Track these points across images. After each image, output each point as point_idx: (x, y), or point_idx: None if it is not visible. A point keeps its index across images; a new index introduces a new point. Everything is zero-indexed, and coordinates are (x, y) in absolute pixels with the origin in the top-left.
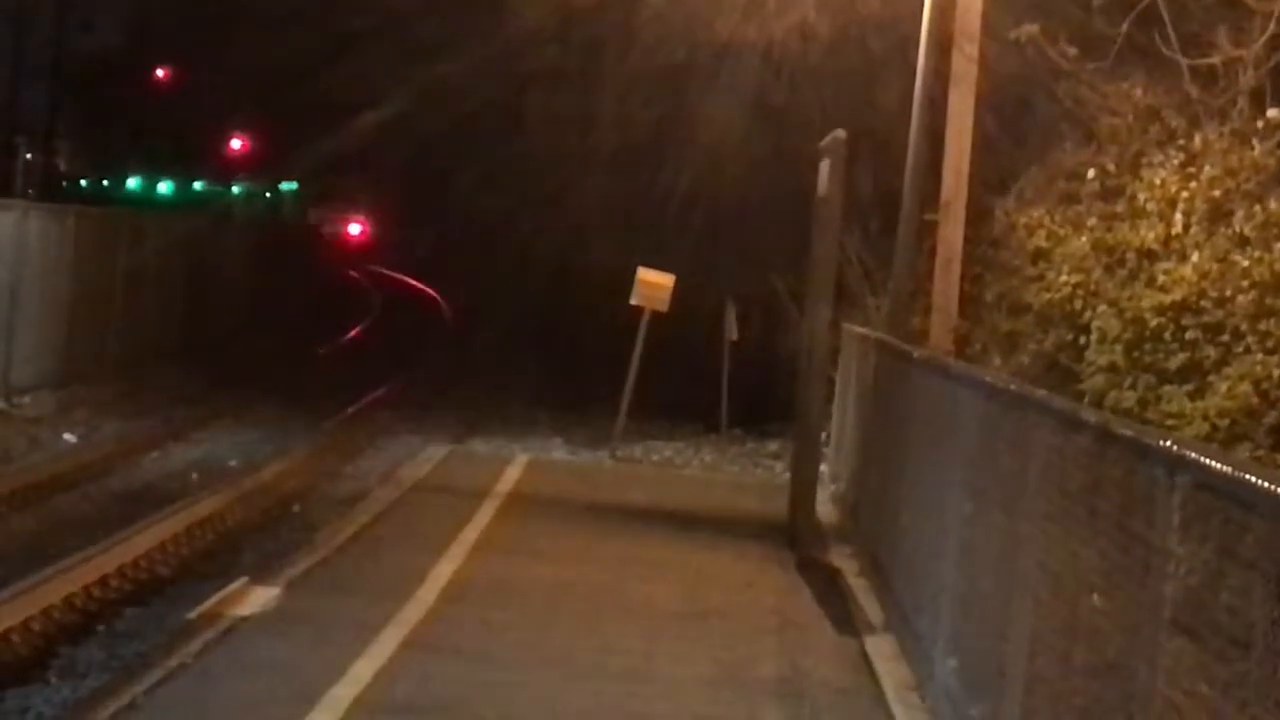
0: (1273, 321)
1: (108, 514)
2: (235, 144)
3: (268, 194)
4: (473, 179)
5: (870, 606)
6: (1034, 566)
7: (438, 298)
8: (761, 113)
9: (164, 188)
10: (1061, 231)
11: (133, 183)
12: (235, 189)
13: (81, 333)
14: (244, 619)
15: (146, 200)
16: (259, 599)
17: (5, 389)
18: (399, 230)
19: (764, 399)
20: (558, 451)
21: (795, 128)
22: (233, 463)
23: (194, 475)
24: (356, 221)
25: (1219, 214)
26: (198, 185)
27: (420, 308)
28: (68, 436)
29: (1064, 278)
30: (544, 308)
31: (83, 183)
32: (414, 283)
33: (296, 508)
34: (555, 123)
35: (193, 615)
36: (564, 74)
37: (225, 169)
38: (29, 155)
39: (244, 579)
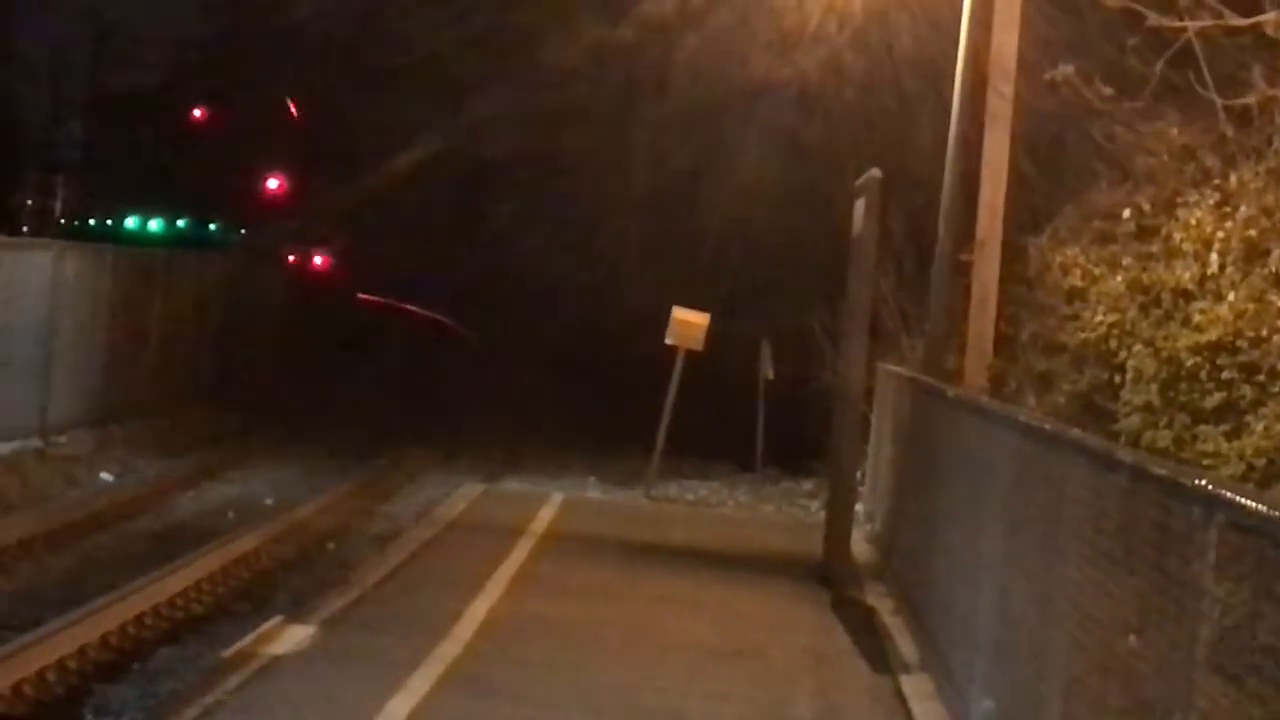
0: None
1: (144, 552)
2: (272, 184)
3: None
4: (506, 217)
5: (906, 645)
6: (1069, 607)
7: (468, 334)
8: (795, 152)
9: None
10: (1097, 271)
11: (131, 222)
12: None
13: (118, 372)
14: (279, 657)
15: (147, 239)
16: (294, 637)
17: (43, 428)
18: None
19: (799, 437)
20: (592, 490)
21: (828, 167)
22: (268, 501)
23: (229, 514)
24: (319, 254)
25: (1255, 253)
26: (212, 226)
27: (450, 344)
28: (104, 475)
29: (1099, 317)
30: (577, 346)
31: (91, 222)
32: (443, 319)
33: (331, 546)
34: (589, 161)
35: (228, 654)
36: (598, 113)
37: (262, 209)
38: (29, 200)
39: (279, 617)
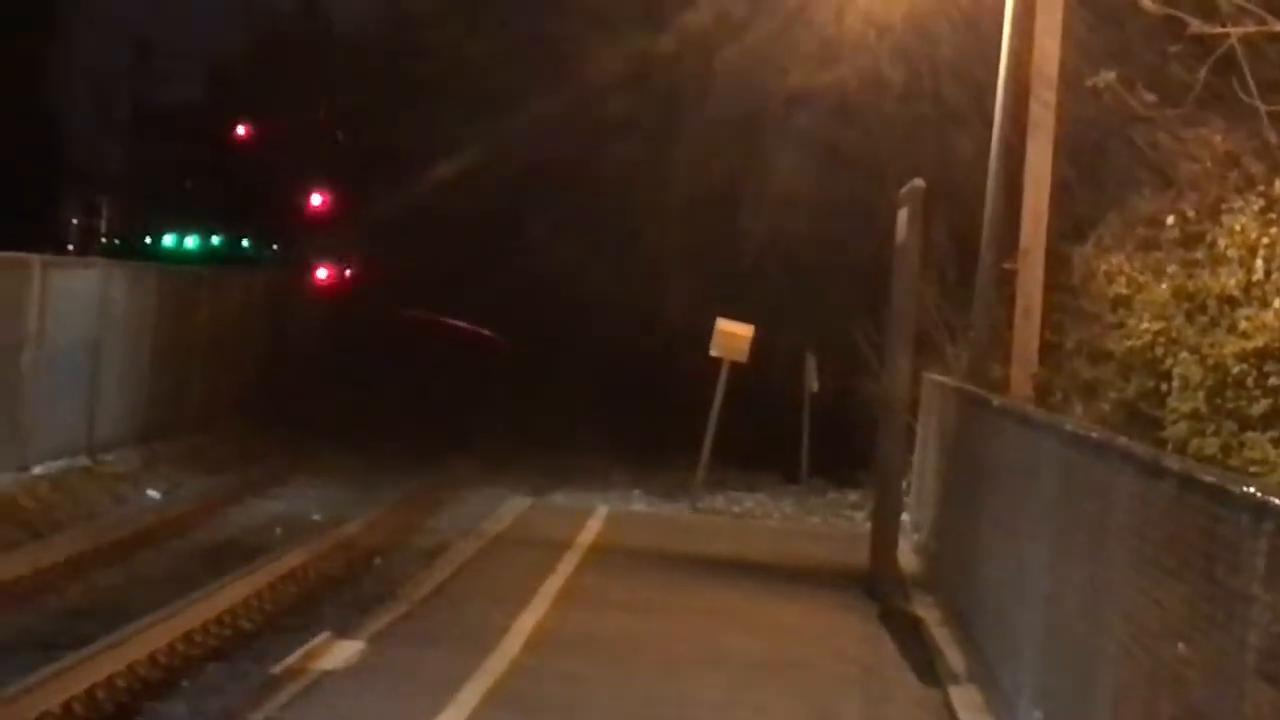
0: None
1: (191, 569)
2: (315, 200)
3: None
4: (545, 227)
5: (954, 656)
6: (1118, 615)
7: (508, 346)
8: (835, 161)
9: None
10: (1142, 278)
11: (168, 240)
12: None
13: (164, 389)
14: (328, 673)
15: (183, 256)
16: (343, 653)
17: (90, 446)
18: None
19: (844, 448)
20: (638, 503)
21: (869, 177)
22: (315, 517)
23: (277, 530)
24: (325, 268)
25: None
26: (245, 242)
27: (491, 355)
28: (151, 493)
29: (1145, 325)
30: (619, 356)
31: (130, 240)
32: (483, 332)
33: (378, 561)
34: (629, 171)
35: (277, 670)
36: (637, 123)
37: (305, 225)
38: (74, 220)
39: (327, 633)
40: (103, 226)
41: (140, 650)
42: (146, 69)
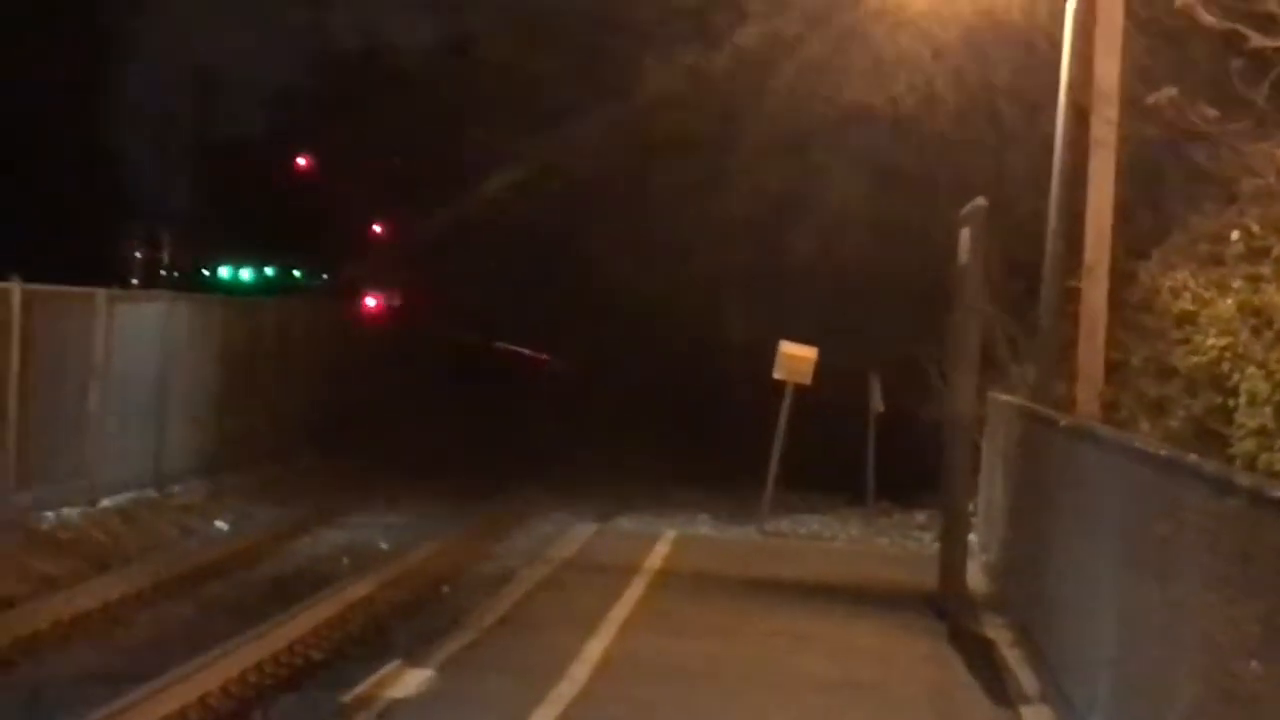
0: None
1: (260, 600)
2: (377, 229)
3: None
4: (600, 246)
5: (1025, 677)
6: (1190, 633)
7: (563, 369)
8: (892, 180)
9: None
10: (1206, 294)
11: (224, 271)
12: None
13: (230, 420)
14: (398, 701)
15: (239, 287)
16: (412, 681)
17: (158, 478)
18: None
19: (909, 469)
20: (704, 527)
21: (926, 196)
22: (382, 545)
23: (344, 559)
24: (374, 295)
25: None
26: (296, 272)
27: (546, 379)
28: (219, 524)
29: (1210, 341)
30: (678, 378)
31: (188, 272)
32: (537, 355)
33: (447, 589)
34: (684, 189)
35: (347, 699)
36: (692, 141)
37: (364, 253)
38: (138, 253)
39: (397, 661)
40: (165, 259)
41: (212, 681)
42: (206, 102)
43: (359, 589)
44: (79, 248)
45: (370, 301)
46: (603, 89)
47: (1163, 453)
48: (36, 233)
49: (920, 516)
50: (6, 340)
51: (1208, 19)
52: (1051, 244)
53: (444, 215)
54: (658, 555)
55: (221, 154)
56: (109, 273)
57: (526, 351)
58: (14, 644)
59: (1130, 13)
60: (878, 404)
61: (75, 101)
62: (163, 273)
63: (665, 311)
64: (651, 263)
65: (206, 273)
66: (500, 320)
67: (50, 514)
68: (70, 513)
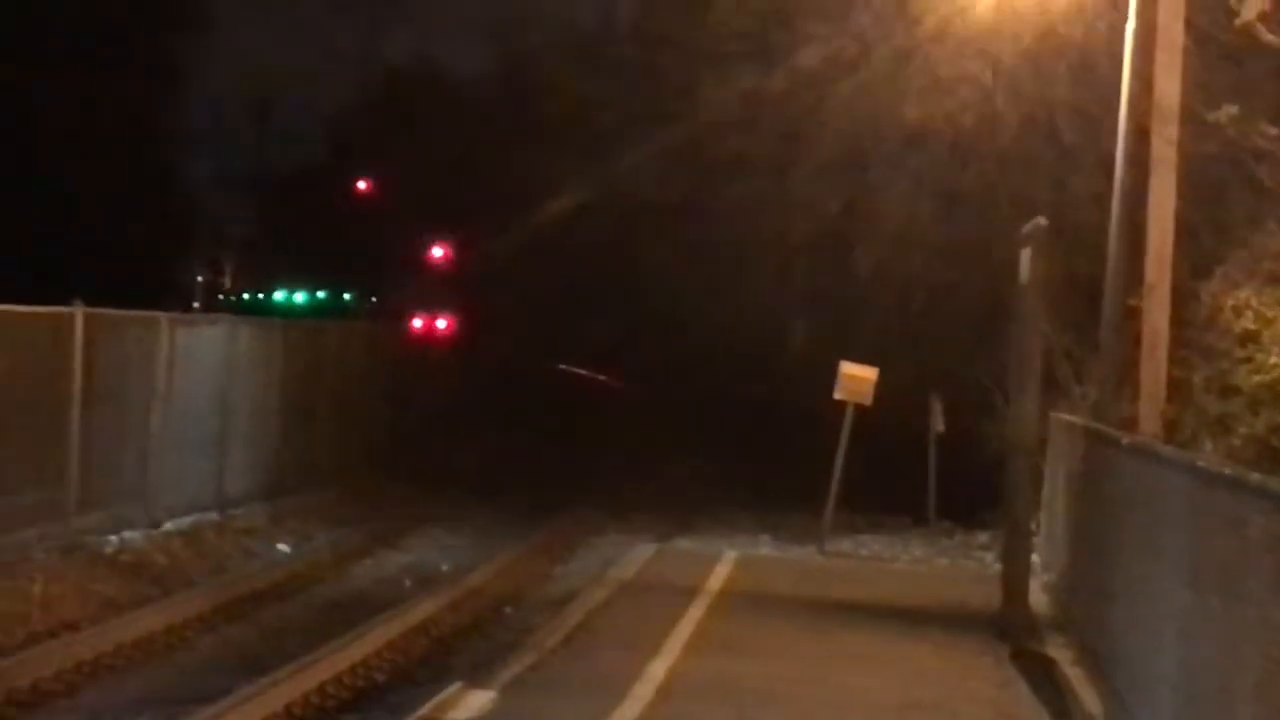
0: None
1: (322, 622)
2: (437, 252)
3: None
4: (660, 266)
5: (1088, 697)
6: (1255, 653)
7: (625, 389)
8: (950, 199)
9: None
10: (1269, 313)
11: (279, 295)
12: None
13: (291, 443)
14: None
15: (293, 310)
16: (474, 703)
17: (220, 500)
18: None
19: (971, 489)
20: (765, 547)
21: (986, 215)
22: (443, 567)
23: (406, 581)
24: (443, 318)
25: None
26: (346, 295)
27: (607, 400)
28: (281, 547)
29: (1273, 359)
30: (737, 398)
31: (245, 296)
32: (598, 377)
33: (508, 610)
34: (743, 210)
35: None
36: (751, 161)
37: (424, 276)
38: (199, 277)
39: (459, 683)
40: (226, 283)
41: (275, 703)
42: (266, 128)
43: (420, 611)
44: (143, 273)
45: (427, 323)
46: (661, 111)
47: (1226, 471)
48: (100, 258)
49: (982, 536)
50: (69, 364)
51: (1268, 37)
52: (1113, 262)
53: (503, 238)
54: (718, 576)
55: (280, 179)
56: (172, 297)
57: (597, 375)
58: (77, 667)
59: (1191, 30)
60: (939, 424)
61: (139, 128)
62: (220, 297)
63: (725, 332)
64: (711, 284)
65: (262, 296)
66: (559, 342)
67: (113, 537)
68: (132, 535)
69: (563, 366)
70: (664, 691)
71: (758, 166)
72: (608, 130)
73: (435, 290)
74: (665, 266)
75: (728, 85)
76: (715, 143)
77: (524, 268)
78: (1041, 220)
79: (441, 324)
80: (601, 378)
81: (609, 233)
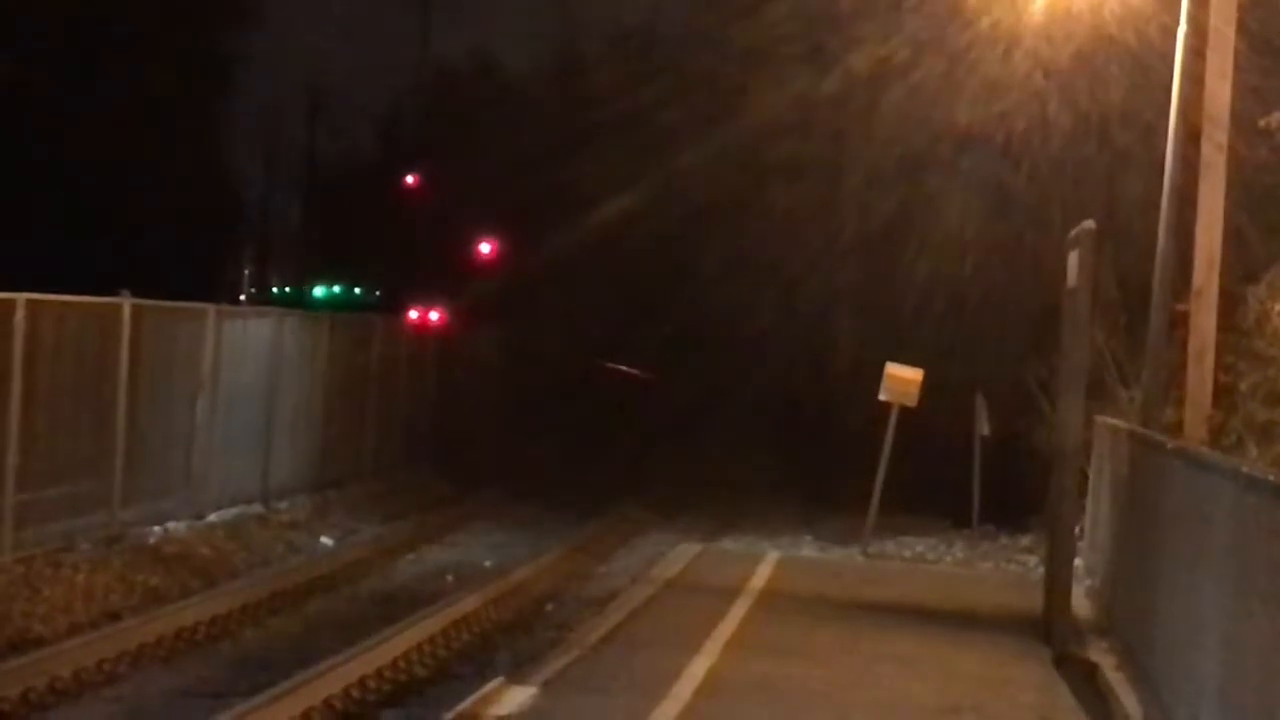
0: None
1: (365, 616)
2: (484, 248)
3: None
4: (711, 268)
5: (1129, 702)
6: None
7: (672, 389)
8: (1001, 203)
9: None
10: None
11: (318, 290)
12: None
13: (336, 436)
14: (501, 719)
15: (331, 304)
16: (515, 699)
17: (264, 494)
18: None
19: (1015, 493)
20: (808, 548)
21: (1036, 219)
22: (486, 563)
23: (448, 576)
24: (436, 309)
25: None
26: (379, 291)
27: (655, 399)
28: (325, 540)
29: None
30: (784, 400)
31: (287, 289)
32: (644, 375)
33: (550, 607)
34: (796, 212)
35: (450, 716)
36: (803, 164)
37: (474, 273)
38: (247, 270)
39: (500, 679)
40: (272, 277)
41: (316, 697)
42: (319, 122)
43: (463, 606)
44: (191, 265)
45: (422, 315)
46: (714, 114)
47: (1271, 478)
48: (149, 251)
49: (1025, 540)
50: (116, 354)
51: None
52: (1161, 267)
53: (553, 237)
54: (761, 576)
55: (328, 174)
56: (220, 290)
57: (633, 371)
58: (120, 657)
59: (1243, 34)
60: (983, 426)
61: (190, 123)
62: (253, 290)
63: (775, 332)
64: (761, 285)
65: (303, 290)
66: (610, 342)
67: (157, 528)
68: (177, 527)
69: (609, 365)
70: (705, 691)
71: (810, 169)
72: (660, 131)
73: (482, 288)
74: (717, 267)
75: (781, 88)
76: (768, 145)
77: (573, 267)
78: (1090, 223)
79: (434, 316)
80: (641, 374)
81: (660, 233)
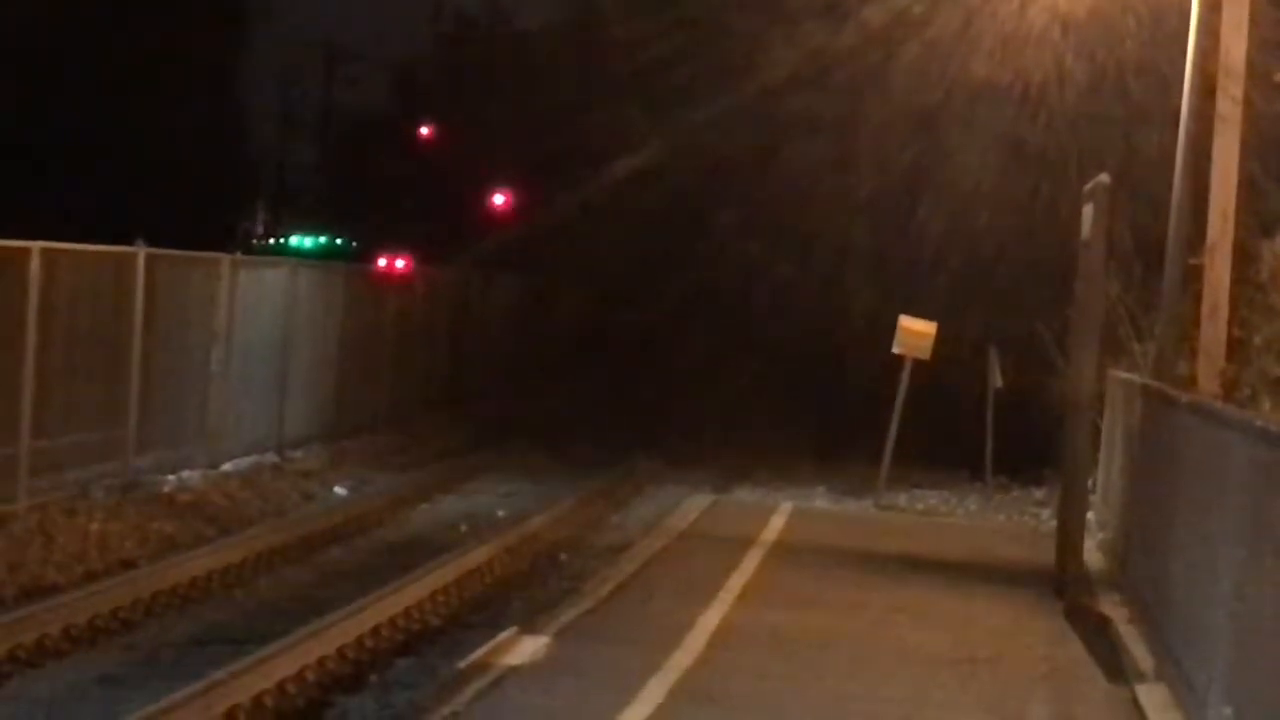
0: None
1: (378, 565)
2: (498, 199)
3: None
4: (727, 224)
5: (1141, 654)
6: None
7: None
8: (1018, 157)
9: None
10: None
11: (295, 240)
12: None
13: (351, 387)
14: (514, 668)
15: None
16: (528, 648)
17: (279, 443)
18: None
19: (1028, 446)
20: (821, 500)
21: (1052, 172)
22: (500, 513)
23: (462, 526)
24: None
25: None
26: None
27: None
28: (339, 490)
29: None
30: (800, 353)
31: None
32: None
33: (564, 557)
34: (811, 167)
35: (463, 665)
36: (819, 118)
37: (488, 225)
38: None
39: (513, 629)
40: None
41: (329, 645)
42: (335, 73)
43: (476, 556)
44: (204, 215)
45: (389, 262)
46: (729, 69)
47: None
48: (163, 200)
49: (1038, 493)
50: (130, 304)
51: None
52: (1176, 221)
53: (567, 191)
54: (774, 528)
55: (343, 124)
56: (232, 239)
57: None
58: (135, 604)
59: None
60: (996, 379)
61: (206, 72)
62: (254, 241)
63: (791, 286)
64: (779, 239)
65: (324, 240)
66: (624, 295)
67: (171, 477)
68: (191, 476)
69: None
70: (717, 641)
71: (826, 123)
72: (675, 88)
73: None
74: (731, 222)
75: (796, 43)
76: (783, 100)
77: (587, 221)
78: (1104, 177)
79: (400, 264)
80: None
81: (675, 188)
